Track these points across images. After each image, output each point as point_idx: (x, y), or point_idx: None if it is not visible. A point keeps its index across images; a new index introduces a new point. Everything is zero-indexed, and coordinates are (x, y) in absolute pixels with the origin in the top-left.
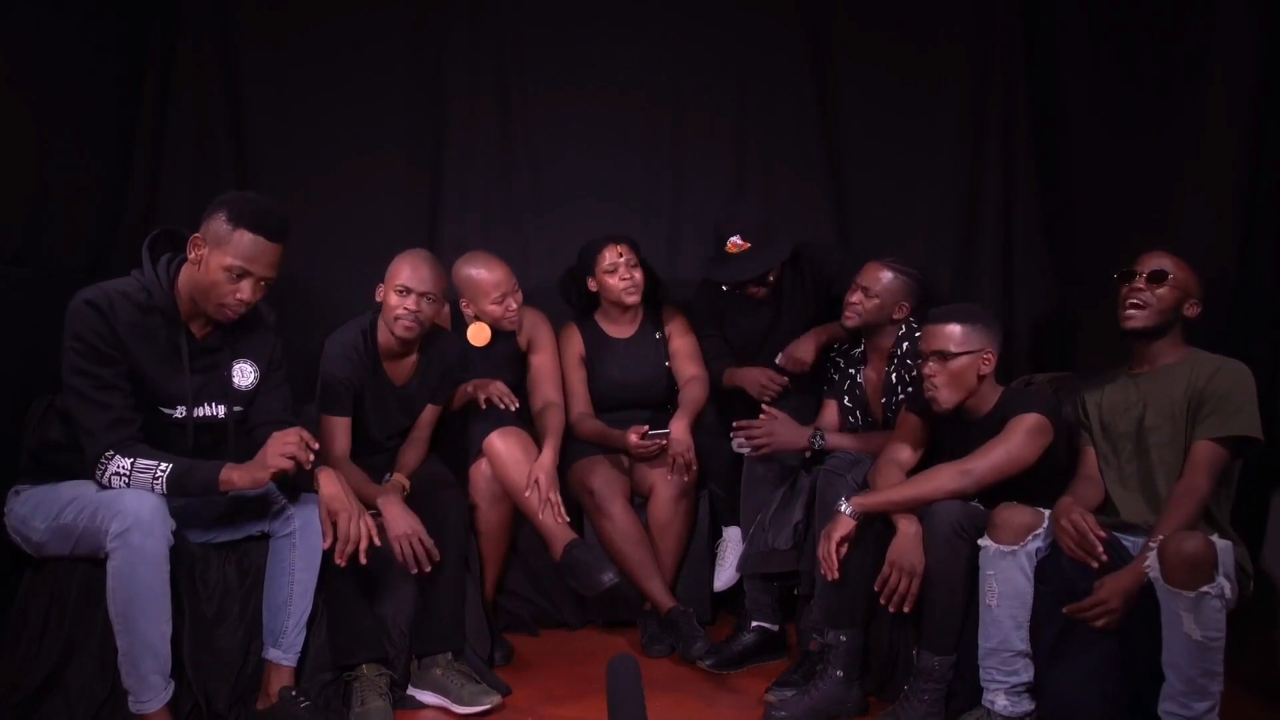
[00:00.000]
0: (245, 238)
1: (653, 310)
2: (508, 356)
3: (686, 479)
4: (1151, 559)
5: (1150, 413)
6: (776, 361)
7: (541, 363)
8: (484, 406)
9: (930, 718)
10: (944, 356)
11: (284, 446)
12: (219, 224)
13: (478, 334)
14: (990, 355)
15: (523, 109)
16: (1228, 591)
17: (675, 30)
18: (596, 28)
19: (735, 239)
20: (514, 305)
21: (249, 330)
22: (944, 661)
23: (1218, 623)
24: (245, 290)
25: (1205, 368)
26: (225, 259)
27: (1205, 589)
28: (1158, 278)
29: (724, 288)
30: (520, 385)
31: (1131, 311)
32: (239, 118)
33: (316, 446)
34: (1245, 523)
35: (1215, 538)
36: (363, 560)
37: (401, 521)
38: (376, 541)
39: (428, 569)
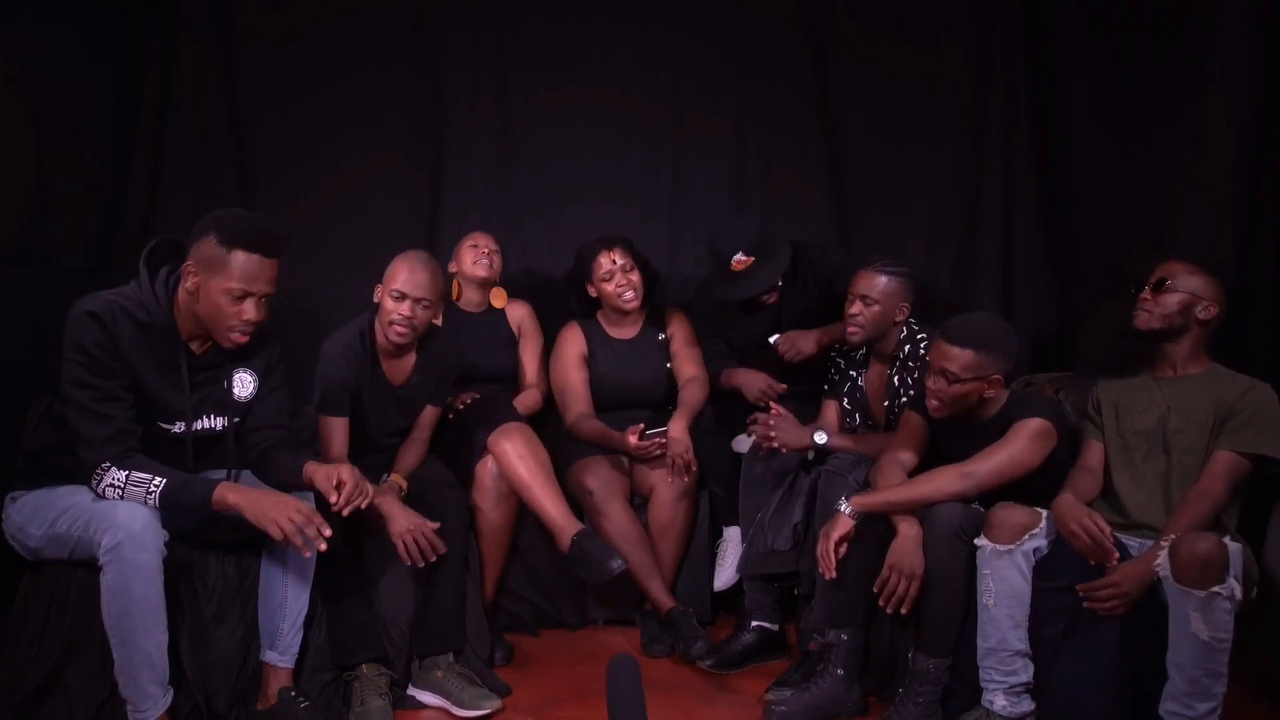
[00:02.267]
0: (241, 257)
1: (655, 311)
2: (502, 339)
3: (686, 480)
4: (1162, 557)
5: (1175, 416)
6: (772, 341)
7: (523, 352)
8: (451, 417)
9: None
10: (948, 378)
11: (286, 522)
12: (211, 248)
13: (454, 290)
14: (997, 380)
15: (523, 109)
16: (1237, 593)
17: (675, 30)
18: (596, 28)
19: (739, 256)
20: (486, 251)
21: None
22: (939, 664)
23: (1226, 624)
24: (250, 310)
25: (1238, 384)
26: (225, 283)
27: (1216, 589)
28: (1159, 285)
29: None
30: (513, 366)
31: (1138, 314)
32: (239, 118)
33: (328, 534)
34: (1246, 524)
35: (1227, 539)
36: (346, 512)
37: (401, 519)
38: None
39: (433, 558)
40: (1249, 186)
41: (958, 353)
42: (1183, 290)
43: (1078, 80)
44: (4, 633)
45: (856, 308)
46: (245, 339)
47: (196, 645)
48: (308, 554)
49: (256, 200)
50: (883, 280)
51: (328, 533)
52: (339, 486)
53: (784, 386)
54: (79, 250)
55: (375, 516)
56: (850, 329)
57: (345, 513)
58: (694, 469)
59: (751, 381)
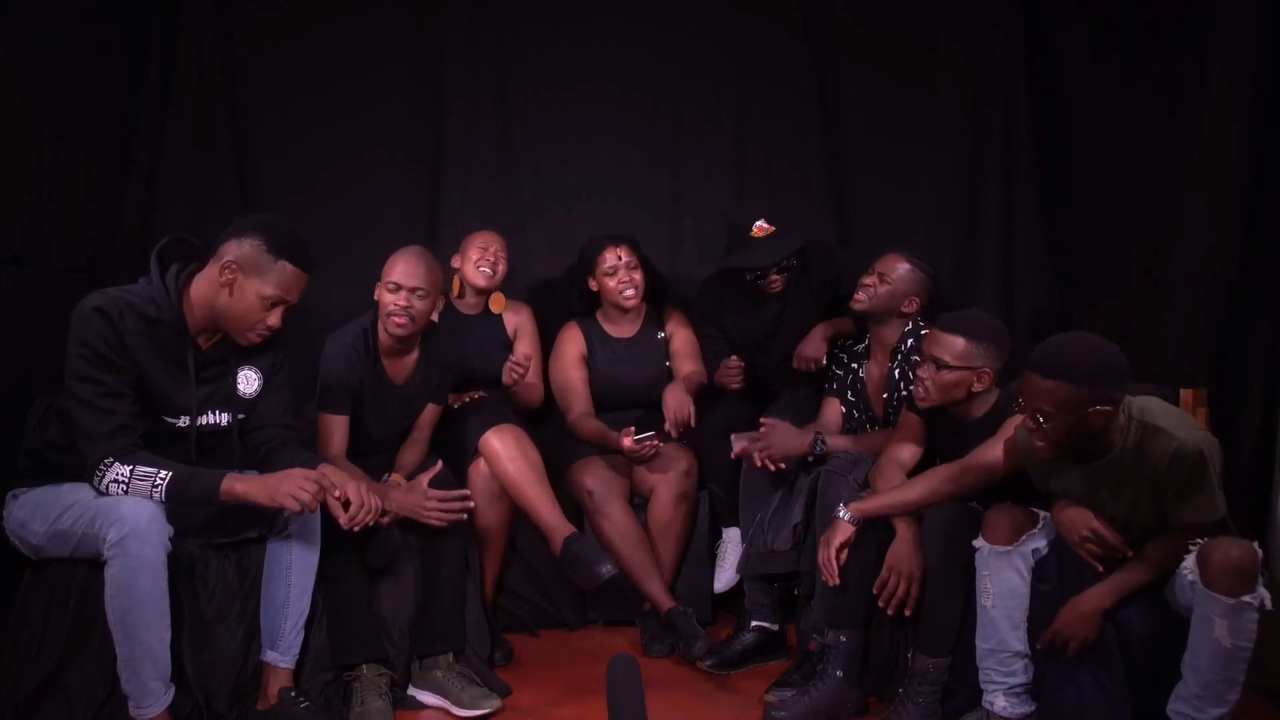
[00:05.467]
0: (287, 270)
1: (655, 310)
2: (499, 342)
3: (681, 430)
4: (1190, 561)
5: (1109, 502)
6: (793, 366)
7: (518, 351)
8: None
9: None
10: (939, 365)
11: (299, 491)
12: (257, 252)
13: (454, 287)
14: (987, 374)
15: (523, 109)
16: (1268, 602)
17: (675, 30)
18: (597, 28)
19: (760, 223)
20: (491, 259)
21: None
22: (939, 664)
23: (1250, 633)
24: (276, 318)
25: (1160, 452)
26: (265, 289)
27: (1246, 598)
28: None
29: (747, 276)
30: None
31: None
32: (239, 118)
33: (337, 494)
34: (1249, 525)
35: (1257, 546)
36: (357, 528)
37: (407, 500)
38: (384, 520)
39: (471, 507)
40: (1249, 187)
41: (950, 339)
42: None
43: (1078, 81)
44: (4, 632)
45: (871, 279)
46: (258, 341)
47: (196, 645)
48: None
49: (256, 200)
50: (905, 266)
51: (337, 493)
52: (346, 505)
53: (736, 358)
54: (79, 250)
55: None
56: (857, 295)
57: (356, 528)
58: (692, 424)
59: (719, 373)
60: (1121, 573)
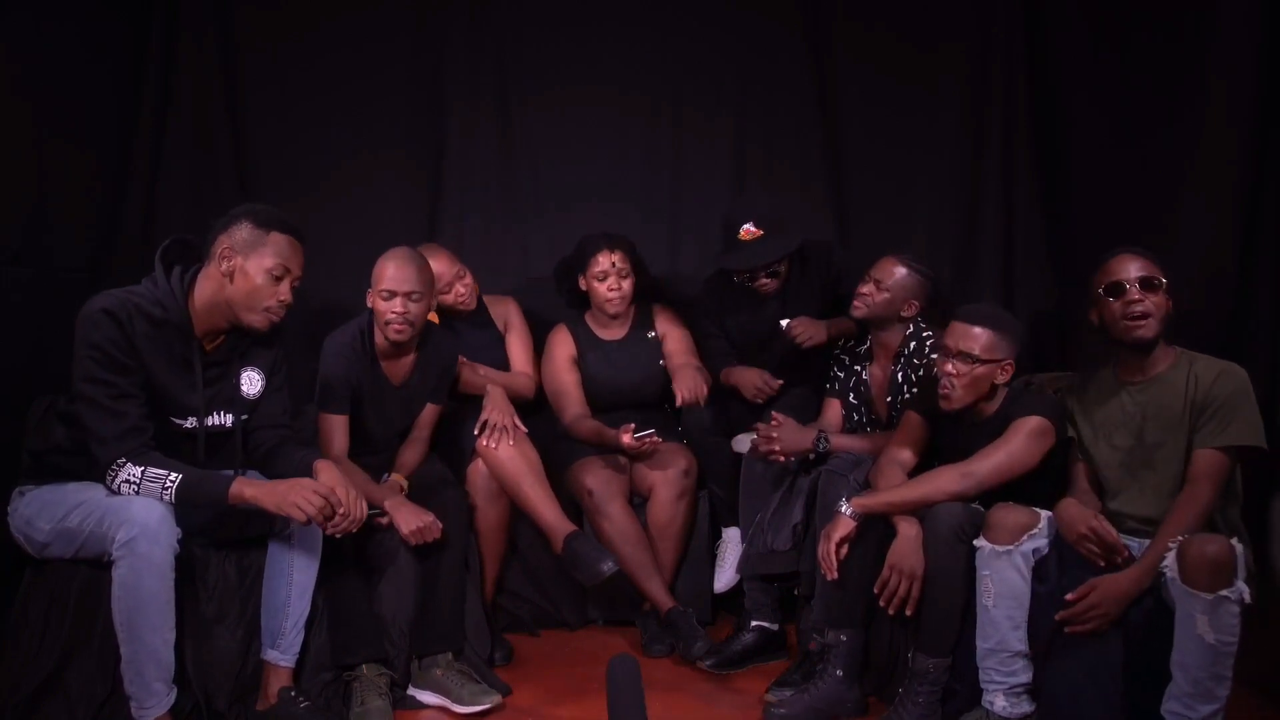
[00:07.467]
0: (281, 239)
1: (644, 310)
2: (492, 340)
3: (692, 403)
4: (1170, 559)
5: (1151, 428)
6: (784, 324)
7: (510, 344)
8: (476, 431)
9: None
10: (969, 359)
11: (306, 504)
12: (247, 231)
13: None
14: (1009, 366)
15: (522, 109)
16: (1246, 596)
17: (675, 30)
18: (597, 28)
19: (749, 226)
20: (462, 290)
21: (256, 338)
22: (939, 664)
23: (1232, 628)
24: (285, 291)
25: (1205, 374)
26: (266, 261)
27: (1224, 593)
28: (1151, 286)
29: (735, 278)
30: (505, 362)
31: (1139, 322)
32: (238, 118)
33: (341, 512)
34: (1247, 523)
35: (1235, 541)
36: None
37: (413, 519)
38: (383, 521)
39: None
40: (1249, 187)
41: (978, 332)
42: (1166, 292)
43: (1078, 81)
44: (4, 632)
45: (868, 288)
46: (277, 320)
47: (197, 644)
48: (329, 532)
49: (256, 201)
50: (901, 271)
51: (343, 510)
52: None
53: (779, 382)
54: (79, 250)
55: (377, 517)
56: (855, 304)
57: (335, 535)
58: (702, 404)
59: (747, 379)
60: (1150, 554)
